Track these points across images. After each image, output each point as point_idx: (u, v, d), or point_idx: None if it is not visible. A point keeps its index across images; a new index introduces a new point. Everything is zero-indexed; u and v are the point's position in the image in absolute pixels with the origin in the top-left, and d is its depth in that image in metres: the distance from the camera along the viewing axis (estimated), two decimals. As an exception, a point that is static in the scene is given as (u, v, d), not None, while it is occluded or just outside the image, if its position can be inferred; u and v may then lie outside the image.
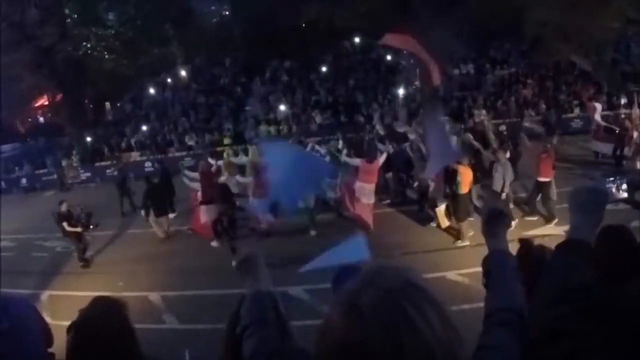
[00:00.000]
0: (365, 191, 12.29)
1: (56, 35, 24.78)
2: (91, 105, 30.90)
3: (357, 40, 32.42)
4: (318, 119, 25.27)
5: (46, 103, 34.74)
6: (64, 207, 12.65)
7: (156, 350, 2.83)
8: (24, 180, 25.34)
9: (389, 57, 30.26)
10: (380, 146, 14.13)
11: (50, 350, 2.28)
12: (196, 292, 10.10)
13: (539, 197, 12.11)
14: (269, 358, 1.71)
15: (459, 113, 22.64)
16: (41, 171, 25.54)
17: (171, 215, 14.35)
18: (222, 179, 12.95)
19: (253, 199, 12.74)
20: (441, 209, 12.05)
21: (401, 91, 25.66)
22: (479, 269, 1.73)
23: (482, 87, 26.18)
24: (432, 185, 12.50)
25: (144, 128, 27.97)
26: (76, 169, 24.87)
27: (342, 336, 0.98)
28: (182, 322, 9.11)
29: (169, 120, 28.61)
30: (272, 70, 31.50)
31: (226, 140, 24.03)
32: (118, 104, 33.88)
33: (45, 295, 11.03)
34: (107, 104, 33.32)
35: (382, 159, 12.80)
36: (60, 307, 9.13)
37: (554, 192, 11.82)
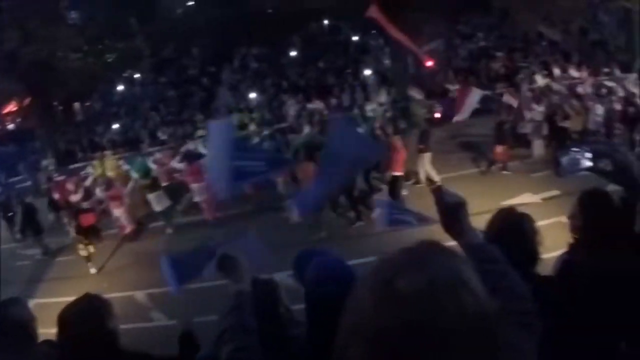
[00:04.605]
0: None
1: (20, 38, 24.24)
2: (60, 107, 30.39)
3: (325, 22, 32.31)
4: (290, 103, 25.13)
5: (15, 109, 34.05)
6: None
7: (147, 348, 2.82)
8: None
9: (355, 38, 30.21)
10: None
11: None
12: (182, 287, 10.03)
13: None
14: None
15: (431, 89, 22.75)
16: (15, 179, 25.03)
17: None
18: None
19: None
20: None
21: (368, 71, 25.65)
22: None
23: (453, 62, 26.28)
24: None
25: (115, 126, 27.61)
26: (50, 172, 24.46)
27: (379, 321, 0.92)
28: (170, 318, 9.07)
29: (139, 115, 28.30)
30: (240, 58, 31.27)
31: (199, 132, 23.80)
32: (87, 104, 33.36)
33: (32, 303, 10.86)
34: (77, 104, 32.78)
35: None
36: (48, 314, 8.97)
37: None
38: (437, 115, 19.76)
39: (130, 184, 14.37)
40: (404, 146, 12.54)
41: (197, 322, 7.91)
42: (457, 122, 15.90)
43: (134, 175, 14.85)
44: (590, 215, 2.85)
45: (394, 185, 12.27)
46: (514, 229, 2.36)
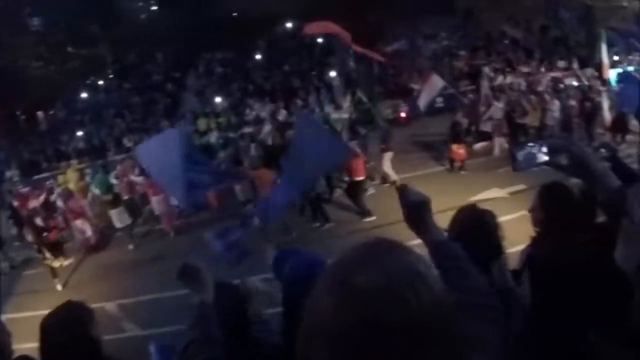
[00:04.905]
0: None
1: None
2: (23, 116, 29.77)
3: (289, 25, 32.31)
4: (256, 107, 25.07)
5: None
6: None
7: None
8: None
9: (320, 40, 30.29)
10: None
11: None
12: (153, 296, 9.91)
13: None
14: None
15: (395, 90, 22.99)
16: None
17: None
18: None
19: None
20: None
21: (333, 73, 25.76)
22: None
23: (416, 62, 26.56)
24: None
25: (80, 134, 27.15)
26: (15, 184, 23.92)
27: (339, 320, 0.92)
28: (143, 328, 8.96)
29: (104, 123, 27.90)
30: (205, 63, 31.07)
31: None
32: (51, 112, 32.72)
33: (2, 318, 10.60)
34: (40, 113, 32.14)
35: None
36: (19, 329, 8.79)
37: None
38: (403, 114, 19.99)
39: (90, 196, 14.26)
40: (362, 151, 12.75)
41: (169, 331, 7.90)
42: (423, 121, 16.08)
43: (95, 191, 14.62)
44: (550, 208, 2.93)
45: (355, 189, 12.42)
46: (476, 226, 2.41)
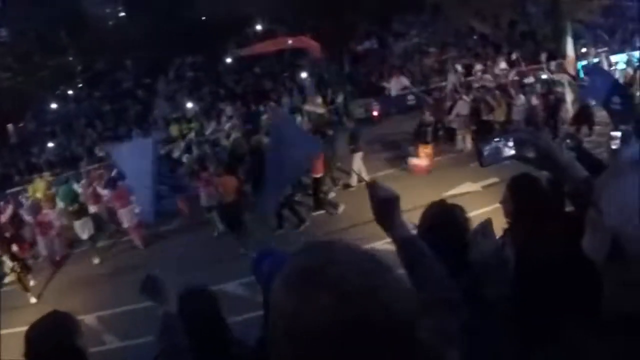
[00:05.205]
0: None
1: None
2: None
3: (259, 27, 32.22)
4: (228, 110, 24.93)
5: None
6: None
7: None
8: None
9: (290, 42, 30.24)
10: None
11: None
12: (130, 307, 9.77)
13: None
14: None
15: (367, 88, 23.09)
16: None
17: None
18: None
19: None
20: None
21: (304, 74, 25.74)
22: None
23: (387, 61, 26.71)
24: None
25: (51, 145, 26.71)
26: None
27: (301, 321, 0.93)
28: (122, 339, 8.88)
29: (75, 133, 27.49)
30: (176, 68, 30.84)
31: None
32: (21, 124, 32.12)
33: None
34: (10, 126, 31.53)
35: None
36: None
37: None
38: (375, 113, 20.11)
39: (57, 209, 14.04)
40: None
41: (150, 342, 7.81)
42: (395, 119, 16.20)
43: (59, 204, 14.36)
44: (520, 199, 2.99)
45: (316, 187, 12.61)
46: (446, 221, 2.44)
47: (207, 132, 20.64)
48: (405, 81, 16.18)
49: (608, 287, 1.29)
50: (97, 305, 10.41)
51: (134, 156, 7.07)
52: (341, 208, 12.41)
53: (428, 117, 14.76)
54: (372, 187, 1.69)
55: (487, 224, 2.57)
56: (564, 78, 15.98)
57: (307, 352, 0.93)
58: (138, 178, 6.67)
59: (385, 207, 1.65)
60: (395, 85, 15.89)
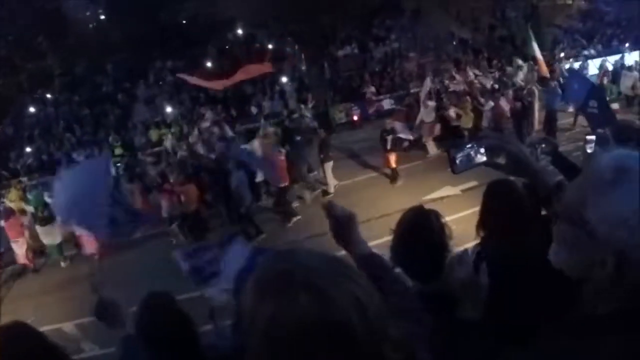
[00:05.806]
0: None
1: None
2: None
3: (240, 31, 32.13)
4: (209, 115, 24.79)
5: None
6: None
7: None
8: None
9: (271, 46, 30.23)
10: None
11: None
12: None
13: None
14: None
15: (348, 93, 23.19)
16: None
17: None
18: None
19: None
20: None
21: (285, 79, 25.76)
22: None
23: (367, 65, 26.80)
24: None
25: (29, 150, 26.34)
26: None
27: (275, 323, 0.96)
28: (102, 347, 8.75)
29: (53, 137, 27.13)
30: (155, 72, 30.62)
31: (117, 151, 23.10)
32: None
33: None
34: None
35: None
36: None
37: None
38: (355, 117, 20.18)
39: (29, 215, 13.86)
40: (284, 159, 12.81)
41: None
42: (375, 124, 16.23)
43: (30, 209, 14.09)
44: (496, 204, 3.03)
45: (281, 196, 12.63)
46: (422, 226, 2.46)
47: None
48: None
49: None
50: (75, 312, 10.25)
51: (86, 175, 6.99)
52: (294, 219, 12.34)
53: (389, 124, 14.36)
54: (329, 207, 1.72)
55: (462, 254, 2.63)
56: (534, 83, 16.21)
57: (287, 352, 0.96)
58: (89, 195, 6.58)
59: (342, 226, 1.68)
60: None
